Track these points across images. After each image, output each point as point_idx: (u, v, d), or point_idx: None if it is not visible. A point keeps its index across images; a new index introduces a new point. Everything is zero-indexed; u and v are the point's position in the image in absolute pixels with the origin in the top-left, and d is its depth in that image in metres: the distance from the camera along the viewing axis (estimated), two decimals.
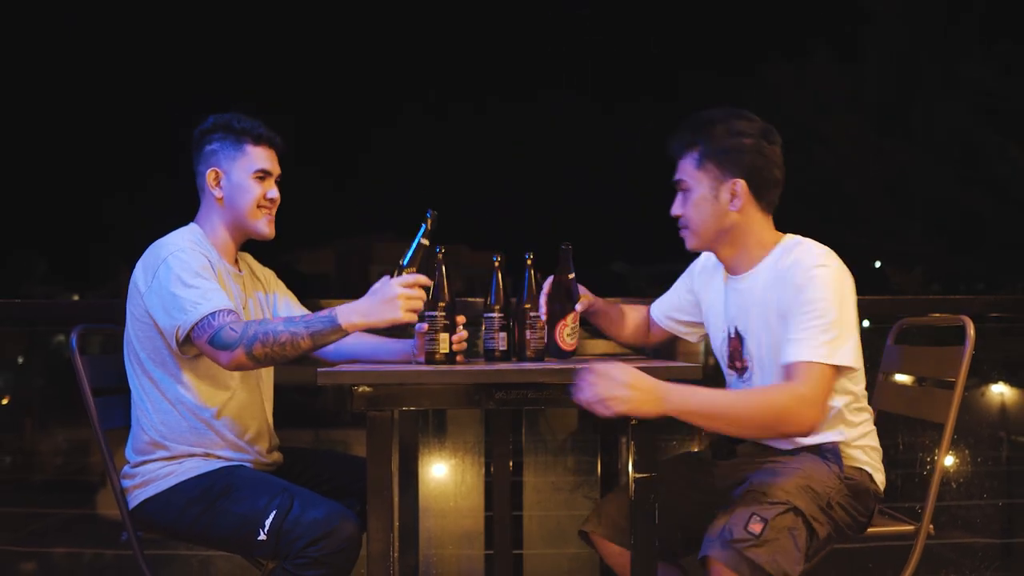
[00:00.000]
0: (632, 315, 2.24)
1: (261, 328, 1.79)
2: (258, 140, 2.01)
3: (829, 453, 1.86)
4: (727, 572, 1.64)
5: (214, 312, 1.81)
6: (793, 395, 1.69)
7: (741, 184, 1.85)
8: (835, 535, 1.83)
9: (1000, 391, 3.68)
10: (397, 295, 1.77)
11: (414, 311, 1.79)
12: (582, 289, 2.06)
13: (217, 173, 2.00)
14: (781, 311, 1.80)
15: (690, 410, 1.66)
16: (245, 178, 1.99)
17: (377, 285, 1.82)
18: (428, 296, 1.86)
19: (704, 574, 1.69)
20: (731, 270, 1.97)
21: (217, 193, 2.00)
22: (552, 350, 1.97)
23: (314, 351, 1.85)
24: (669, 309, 2.20)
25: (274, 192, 2.03)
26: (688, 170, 1.90)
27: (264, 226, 2.02)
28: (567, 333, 1.97)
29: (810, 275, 1.75)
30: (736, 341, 1.95)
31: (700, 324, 2.16)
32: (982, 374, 3.60)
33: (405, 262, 1.85)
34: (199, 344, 1.82)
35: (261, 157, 2.01)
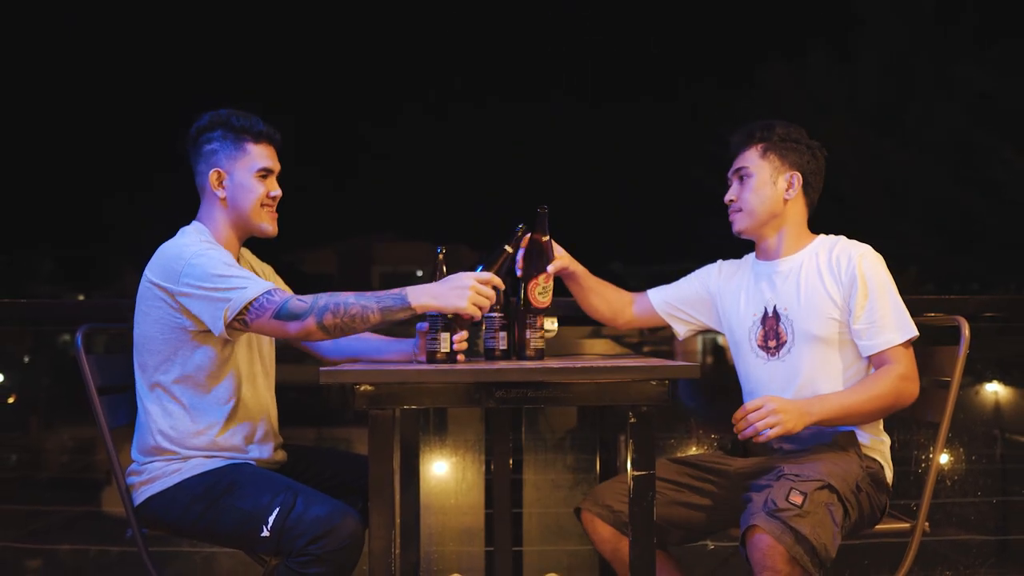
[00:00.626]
0: (611, 293, 2.28)
1: (332, 300, 1.79)
2: (258, 138, 2.00)
3: (846, 441, 1.93)
4: (770, 540, 1.67)
5: (269, 290, 1.80)
6: (899, 376, 1.90)
7: (798, 176, 2.05)
8: (861, 522, 1.87)
9: (994, 390, 3.68)
10: (469, 286, 1.79)
11: (480, 307, 1.81)
12: (559, 251, 2.12)
13: (220, 174, 1.98)
14: (849, 285, 1.96)
15: (829, 416, 1.87)
16: (248, 178, 1.98)
17: (452, 276, 1.83)
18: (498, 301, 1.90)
19: (746, 545, 1.71)
20: (770, 255, 2.10)
21: (220, 193, 1.98)
22: (526, 307, 1.98)
23: (381, 326, 1.84)
24: (673, 299, 2.25)
25: (277, 190, 2.02)
26: (752, 158, 2.07)
27: (268, 224, 2.02)
28: (539, 291, 1.98)
29: (863, 265, 1.95)
30: (773, 320, 2.04)
31: (697, 323, 2.24)
32: (976, 373, 3.59)
33: (485, 263, 1.89)
34: (259, 322, 1.80)
35: (263, 155, 2.00)
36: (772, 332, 2.03)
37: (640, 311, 2.27)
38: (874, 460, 1.95)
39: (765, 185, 2.04)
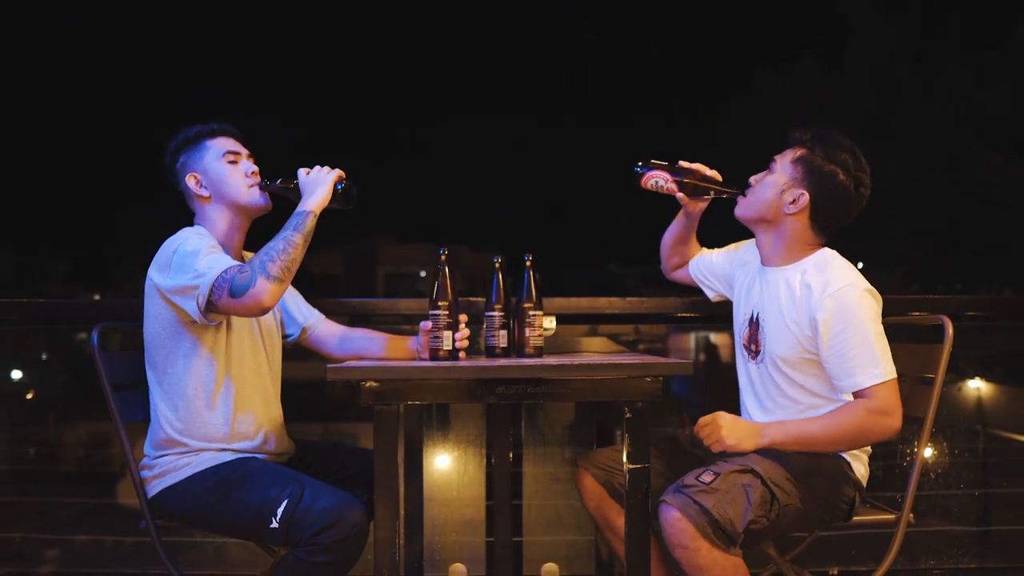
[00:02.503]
0: (692, 246, 2.29)
1: (263, 254, 1.82)
2: (213, 134, 2.04)
3: None
4: (675, 512, 1.69)
5: (225, 269, 1.80)
6: (868, 411, 1.79)
7: (805, 197, 1.93)
8: (808, 514, 1.84)
9: (977, 387, 3.68)
10: (312, 173, 1.95)
11: (341, 177, 1.95)
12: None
13: (195, 176, 2.01)
14: (810, 325, 1.86)
15: (783, 443, 1.82)
16: (218, 165, 2.01)
17: (299, 183, 1.97)
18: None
19: (658, 520, 1.73)
20: (764, 258, 2.04)
21: (203, 192, 2.01)
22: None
23: (306, 245, 1.88)
24: (705, 267, 2.26)
25: (250, 165, 2.04)
26: (786, 157, 1.98)
27: (256, 196, 2.03)
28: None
29: (840, 298, 1.84)
30: (754, 326, 2.01)
31: (721, 292, 2.24)
32: (959, 370, 3.59)
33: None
34: (222, 304, 1.80)
35: (223, 144, 2.03)
36: (753, 336, 2.01)
37: (680, 275, 2.30)
38: (837, 458, 1.91)
39: (775, 188, 1.96)
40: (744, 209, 2.01)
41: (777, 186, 1.96)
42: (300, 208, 1.90)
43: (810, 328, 1.86)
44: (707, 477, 1.74)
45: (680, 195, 2.07)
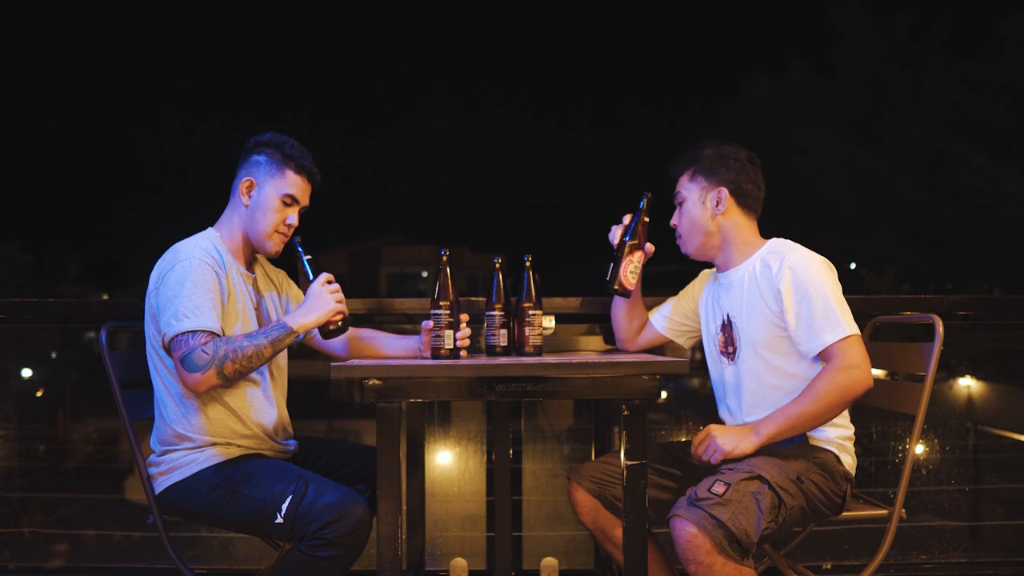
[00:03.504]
0: (639, 310, 2.24)
1: (230, 348, 1.80)
2: (299, 170, 2.01)
3: (797, 436, 1.89)
4: (691, 527, 1.67)
5: (194, 331, 1.80)
6: (839, 369, 1.81)
7: (724, 192, 2.00)
8: (810, 511, 1.84)
9: (967, 384, 3.68)
10: (321, 293, 1.89)
11: (339, 301, 1.90)
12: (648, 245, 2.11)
13: (252, 183, 1.99)
14: (775, 298, 1.90)
15: (777, 432, 1.84)
16: (274, 197, 1.98)
17: (308, 293, 1.91)
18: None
19: (673, 533, 1.70)
20: (722, 268, 2.06)
21: (245, 200, 1.99)
22: (612, 284, 2.00)
23: (272, 357, 1.87)
24: (674, 315, 2.21)
25: (294, 219, 2.02)
26: (683, 183, 2.05)
27: (272, 246, 2.01)
28: (631, 271, 2.00)
29: (789, 275, 1.88)
30: (728, 328, 2.03)
31: (696, 327, 2.20)
32: (950, 368, 3.59)
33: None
34: (173, 357, 1.82)
35: (295, 184, 2.00)
36: (728, 338, 2.03)
37: (648, 335, 2.24)
38: (827, 451, 1.91)
39: (695, 207, 2.01)
40: (687, 246, 2.05)
41: (696, 204, 2.02)
42: (287, 321, 1.86)
43: (776, 302, 1.90)
44: (719, 488, 1.71)
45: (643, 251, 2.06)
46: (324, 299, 1.88)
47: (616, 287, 2.01)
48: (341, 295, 1.92)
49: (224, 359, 1.78)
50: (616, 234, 2.03)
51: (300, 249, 1.97)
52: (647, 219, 2.02)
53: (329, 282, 1.90)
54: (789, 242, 1.98)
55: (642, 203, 2.03)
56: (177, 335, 1.79)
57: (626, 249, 2.00)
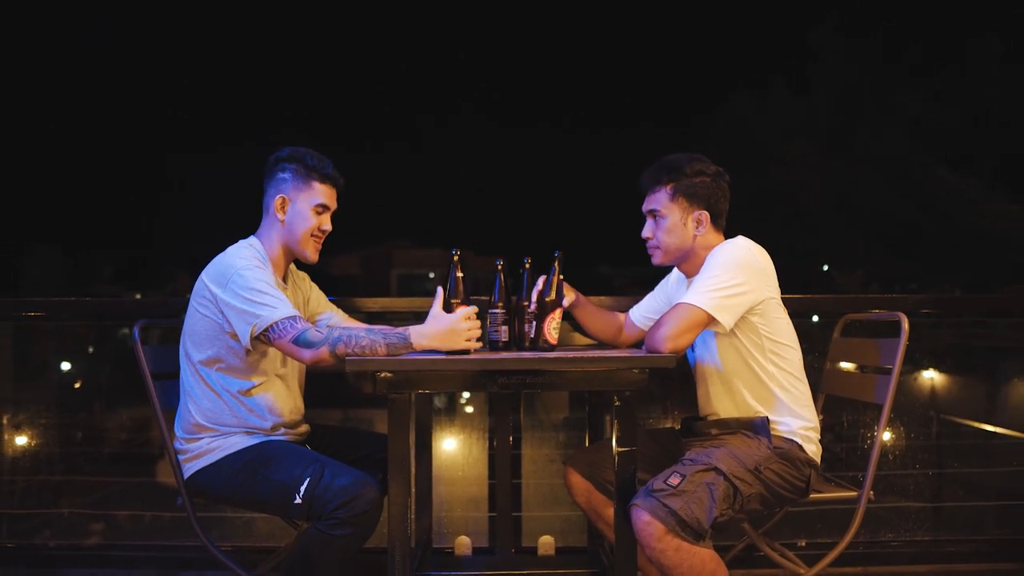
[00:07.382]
0: (606, 318, 2.26)
1: (345, 332, 1.80)
2: (324, 179, 2.02)
3: (759, 427, 1.90)
4: (645, 515, 1.67)
5: (293, 316, 1.82)
6: (659, 325, 1.82)
7: (704, 215, 1.99)
8: (771, 496, 1.84)
9: (930, 376, 3.68)
10: (461, 330, 1.80)
11: (470, 339, 1.82)
12: (566, 287, 2.11)
13: (284, 200, 2.00)
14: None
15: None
16: (307, 209, 1.99)
17: (437, 312, 1.82)
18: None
19: (630, 520, 1.71)
20: (688, 274, 2.06)
21: (280, 216, 2.00)
22: (537, 343, 1.98)
23: (384, 357, 1.81)
24: (648, 311, 2.22)
25: (327, 225, 2.04)
26: (662, 201, 2.00)
27: (311, 253, 2.03)
28: (553, 328, 1.97)
29: (709, 257, 1.91)
30: None
31: None
32: (915, 362, 3.59)
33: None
34: (278, 342, 1.82)
35: (324, 193, 2.02)
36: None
37: (632, 331, 2.25)
38: (791, 441, 1.90)
39: (677, 227, 1.98)
40: (663, 257, 2.02)
41: (678, 224, 1.98)
42: (411, 335, 1.79)
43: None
44: (674, 480, 1.71)
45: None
46: (458, 335, 1.80)
47: (541, 343, 1.97)
48: (478, 332, 1.83)
49: (338, 340, 1.78)
50: (533, 297, 1.98)
51: (454, 265, 1.92)
52: (561, 276, 2.00)
53: (468, 319, 1.82)
54: (739, 238, 1.96)
55: (555, 264, 1.99)
56: (276, 322, 1.81)
57: (547, 307, 1.96)
